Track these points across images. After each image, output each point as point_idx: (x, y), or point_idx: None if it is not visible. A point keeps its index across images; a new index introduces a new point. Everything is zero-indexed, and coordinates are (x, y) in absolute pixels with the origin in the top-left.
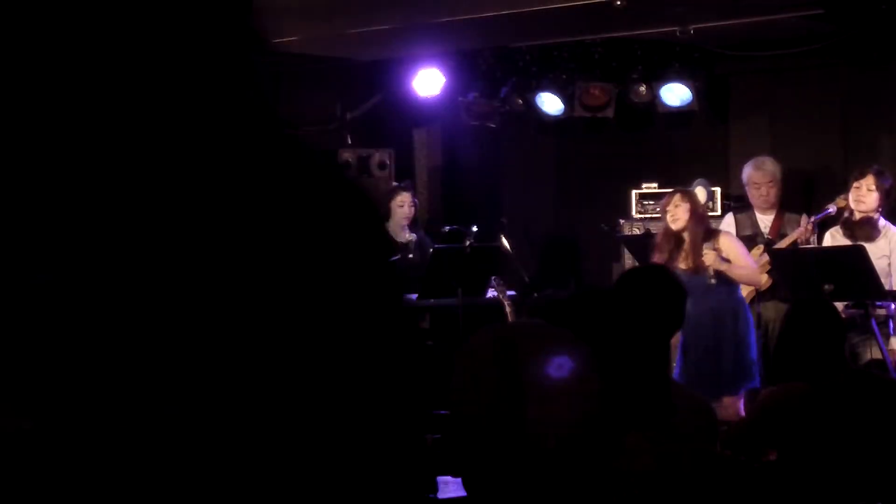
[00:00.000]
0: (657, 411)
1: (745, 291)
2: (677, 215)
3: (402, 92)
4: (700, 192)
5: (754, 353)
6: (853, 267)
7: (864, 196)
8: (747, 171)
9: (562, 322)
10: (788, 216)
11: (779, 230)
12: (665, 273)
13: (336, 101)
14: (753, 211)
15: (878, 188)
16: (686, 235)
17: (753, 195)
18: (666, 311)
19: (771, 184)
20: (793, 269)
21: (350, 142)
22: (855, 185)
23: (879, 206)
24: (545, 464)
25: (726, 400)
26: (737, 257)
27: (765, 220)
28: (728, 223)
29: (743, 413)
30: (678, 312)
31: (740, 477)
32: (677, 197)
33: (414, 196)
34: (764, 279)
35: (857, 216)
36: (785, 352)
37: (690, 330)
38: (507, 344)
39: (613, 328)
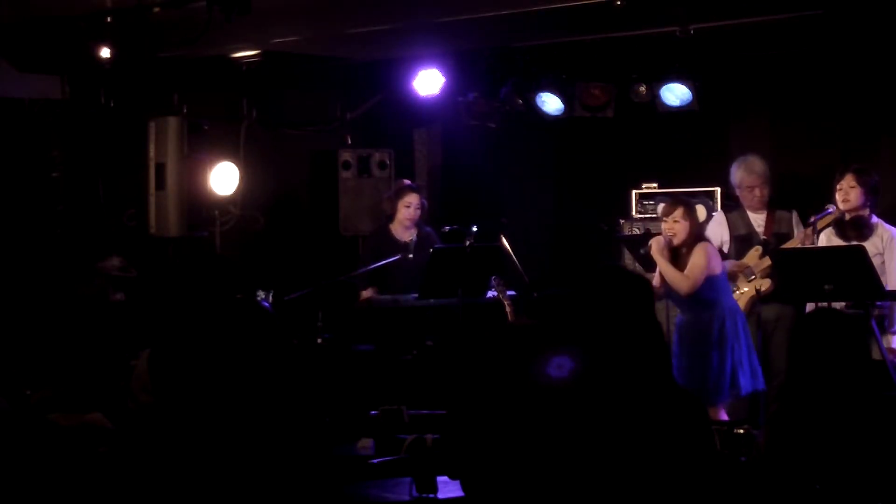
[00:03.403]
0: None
1: (749, 295)
2: (675, 230)
3: (402, 92)
4: (701, 211)
5: (743, 362)
6: (853, 267)
7: (847, 195)
8: (737, 175)
9: (561, 322)
10: (780, 214)
11: (772, 229)
12: (622, 269)
13: (336, 101)
14: (745, 210)
15: (859, 184)
16: (682, 251)
17: (746, 197)
18: (632, 305)
19: (763, 185)
20: (793, 269)
21: (350, 142)
22: (837, 186)
23: (866, 202)
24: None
25: (709, 410)
26: (692, 266)
27: (758, 220)
28: (719, 221)
29: (723, 416)
30: (645, 304)
31: (732, 473)
32: (679, 212)
33: (422, 198)
34: (689, 286)
35: (848, 216)
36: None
37: (676, 340)
38: (509, 345)
39: (587, 326)
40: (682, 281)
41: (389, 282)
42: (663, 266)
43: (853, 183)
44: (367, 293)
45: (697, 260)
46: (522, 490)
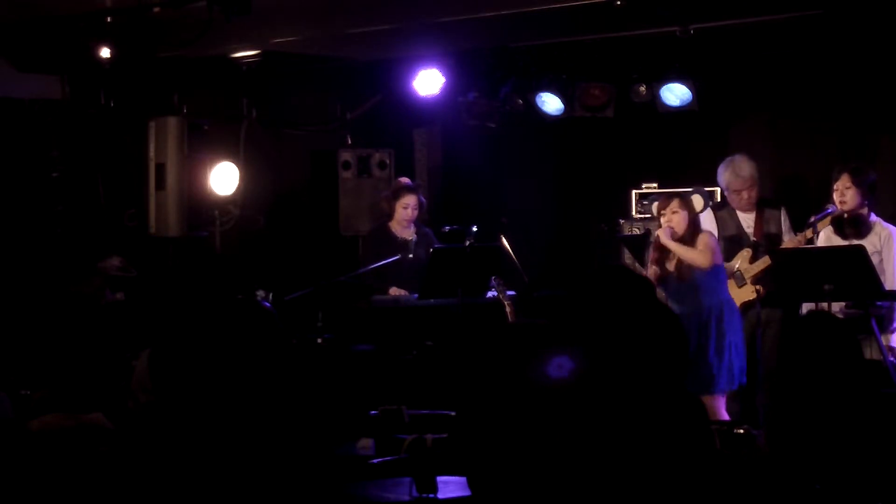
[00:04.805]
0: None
1: (746, 296)
2: (674, 221)
3: (402, 92)
4: (697, 200)
5: (739, 356)
6: (853, 267)
7: (843, 196)
8: (724, 177)
9: (562, 322)
10: (769, 213)
11: (762, 229)
12: (624, 269)
13: (336, 101)
14: (734, 210)
15: (855, 184)
16: (685, 241)
17: (734, 199)
18: (634, 305)
19: (751, 188)
20: (793, 269)
21: (350, 142)
22: (834, 186)
23: (863, 202)
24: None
25: (707, 400)
26: (702, 246)
27: (747, 220)
28: (708, 221)
29: (724, 414)
30: (647, 304)
31: (732, 473)
32: (675, 203)
33: (420, 196)
34: (707, 260)
35: (846, 215)
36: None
37: None
38: (512, 344)
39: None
40: (699, 256)
41: (388, 281)
42: (676, 247)
43: (849, 183)
44: (394, 291)
45: (705, 242)
46: (525, 488)
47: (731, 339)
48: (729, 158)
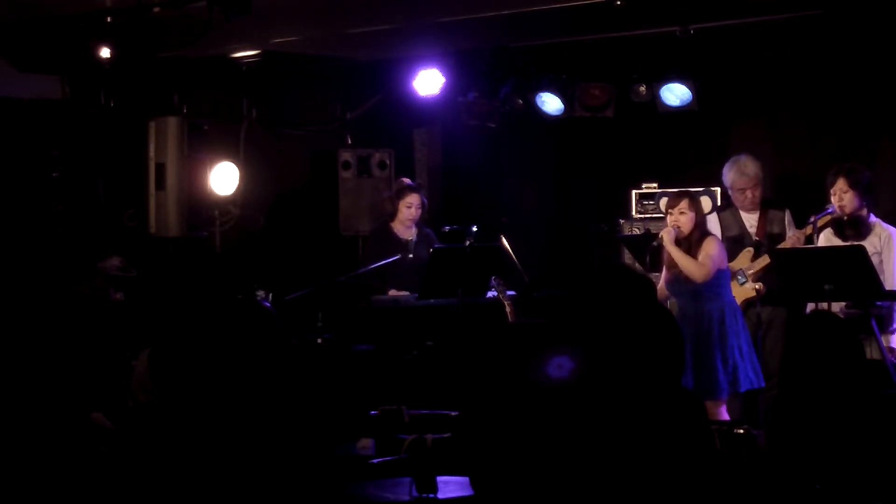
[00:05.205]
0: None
1: (747, 294)
2: (681, 221)
3: (402, 92)
4: (706, 202)
5: (745, 359)
6: (853, 267)
7: (841, 199)
8: (729, 176)
9: (564, 321)
10: (772, 213)
11: (765, 229)
12: (625, 268)
13: (336, 101)
14: (738, 210)
15: (852, 186)
16: (690, 242)
17: (737, 198)
18: (637, 307)
19: (755, 187)
20: (793, 269)
21: (350, 142)
22: (831, 190)
23: (862, 202)
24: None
25: (709, 405)
26: (704, 255)
27: (750, 220)
28: (712, 223)
29: (725, 415)
30: (648, 304)
31: (732, 473)
32: (684, 204)
33: (423, 196)
34: (704, 274)
35: (846, 217)
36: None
37: None
38: (512, 344)
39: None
40: (696, 269)
41: (389, 280)
42: (676, 255)
43: (846, 186)
44: (393, 293)
45: (709, 250)
46: (527, 487)
47: (734, 343)
48: (734, 157)
